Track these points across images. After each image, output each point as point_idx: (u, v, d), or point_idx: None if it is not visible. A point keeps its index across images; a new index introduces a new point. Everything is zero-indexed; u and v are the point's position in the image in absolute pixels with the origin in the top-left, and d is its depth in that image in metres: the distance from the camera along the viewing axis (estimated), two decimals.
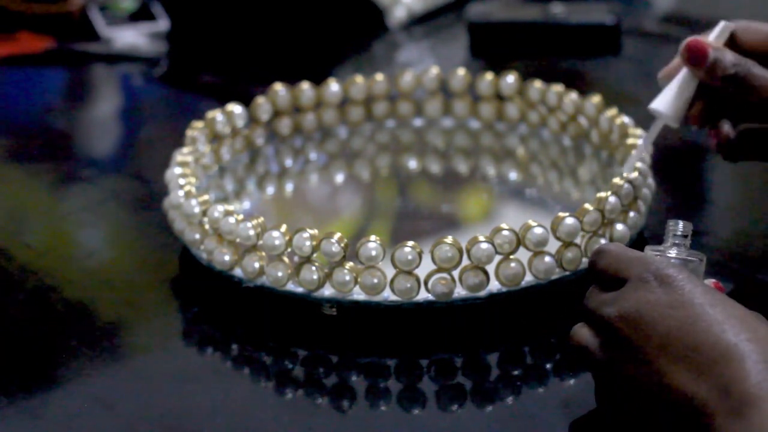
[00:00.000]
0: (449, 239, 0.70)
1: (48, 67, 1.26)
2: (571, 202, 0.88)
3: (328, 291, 0.72)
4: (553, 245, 0.72)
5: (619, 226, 0.75)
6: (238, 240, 0.74)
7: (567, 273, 0.73)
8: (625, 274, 0.59)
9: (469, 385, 0.67)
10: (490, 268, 0.71)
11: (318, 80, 0.96)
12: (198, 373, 0.70)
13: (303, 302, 0.73)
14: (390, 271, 0.71)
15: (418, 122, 0.99)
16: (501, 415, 0.65)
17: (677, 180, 0.92)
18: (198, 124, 0.89)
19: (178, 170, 0.82)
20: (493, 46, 1.23)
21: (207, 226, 0.76)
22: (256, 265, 0.74)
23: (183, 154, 0.85)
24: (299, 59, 1.24)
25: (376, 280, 0.71)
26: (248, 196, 0.92)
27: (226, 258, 0.75)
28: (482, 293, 0.71)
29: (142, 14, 1.30)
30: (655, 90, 0.77)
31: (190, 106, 1.16)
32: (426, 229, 0.87)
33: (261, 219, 0.74)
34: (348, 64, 1.26)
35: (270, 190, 0.93)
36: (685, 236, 0.64)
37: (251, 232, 0.73)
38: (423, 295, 0.71)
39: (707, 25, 0.76)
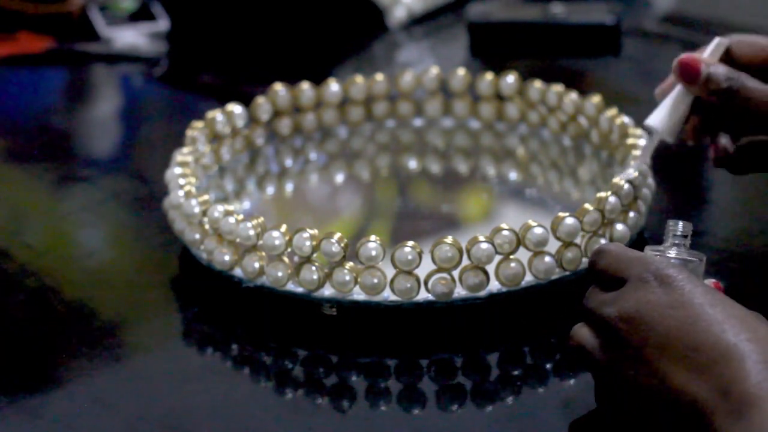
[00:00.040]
0: (449, 239, 0.70)
1: (48, 67, 1.26)
2: (571, 202, 0.88)
3: (328, 291, 0.72)
4: (553, 245, 0.72)
5: (619, 226, 0.75)
6: (238, 240, 0.74)
7: (567, 273, 0.73)
8: (625, 274, 0.59)
9: (469, 385, 0.67)
10: (490, 268, 0.71)
11: (318, 80, 0.96)
12: (198, 373, 0.70)
13: (303, 302, 0.73)
14: (390, 271, 0.71)
15: (418, 122, 0.99)
16: (501, 415, 0.65)
17: (677, 180, 0.92)
18: (198, 124, 0.89)
19: (178, 170, 0.82)
20: (493, 46, 1.23)
21: (207, 226, 0.76)
22: (256, 265, 0.74)
23: (183, 154, 0.85)
24: (299, 59, 1.24)
25: (376, 280, 0.71)
26: (248, 196, 0.92)
27: (226, 258, 0.75)
28: (482, 293, 0.71)
29: (142, 14, 1.30)
30: (654, 92, 0.77)
31: (190, 106, 1.16)
32: (426, 229, 0.87)
33: (261, 219, 0.74)
34: (348, 64, 1.26)
35: (270, 190, 0.93)
36: (685, 236, 0.64)
37: (251, 232, 0.73)
38: (423, 295, 0.71)
39: (707, 26, 0.76)
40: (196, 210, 0.77)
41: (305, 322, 0.73)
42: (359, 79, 0.96)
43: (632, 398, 0.57)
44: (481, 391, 0.67)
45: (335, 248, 0.71)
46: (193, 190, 0.78)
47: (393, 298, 0.72)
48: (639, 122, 0.85)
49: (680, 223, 0.64)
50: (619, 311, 0.57)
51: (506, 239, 0.71)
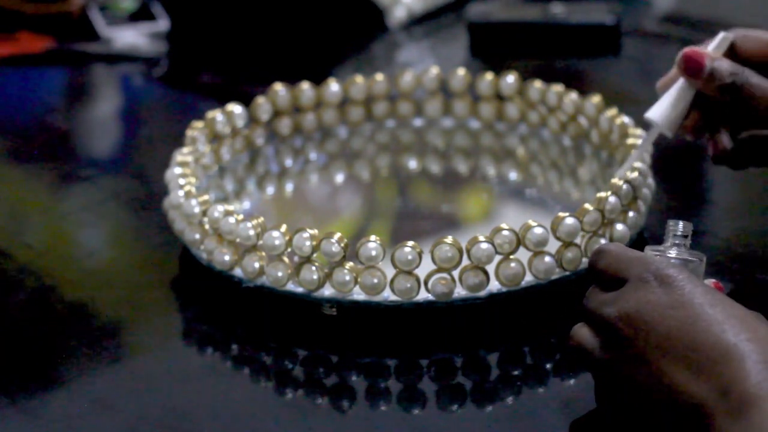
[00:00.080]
0: (449, 239, 0.70)
1: (48, 67, 1.26)
2: (571, 202, 0.88)
3: (328, 291, 0.72)
4: (553, 245, 0.72)
5: (619, 226, 0.75)
6: (238, 240, 0.74)
7: (567, 273, 0.73)
8: (625, 274, 0.59)
9: (469, 385, 0.67)
10: (490, 268, 0.71)
11: (318, 80, 0.96)
12: (198, 373, 0.70)
13: (303, 302, 0.73)
14: (390, 271, 0.71)
15: (418, 122, 0.99)
16: (501, 415, 0.65)
17: (677, 180, 0.92)
18: (198, 124, 0.89)
19: (178, 170, 0.82)
20: (493, 46, 1.23)
21: (207, 226, 0.76)
22: (256, 265, 0.74)
23: (183, 154, 0.85)
24: (299, 59, 1.24)
25: (376, 280, 0.71)
26: (248, 196, 0.92)
27: (226, 258, 0.75)
28: (482, 293, 0.71)
29: (142, 14, 1.30)
30: (655, 90, 0.77)
31: (190, 106, 1.16)
32: (426, 229, 0.87)
33: (261, 219, 0.74)
34: (348, 64, 1.26)
35: (270, 190, 0.93)
36: (685, 236, 0.64)
37: (251, 232, 0.73)
38: (423, 295, 0.71)
39: (707, 25, 0.76)
40: (196, 210, 0.77)
41: (305, 322, 0.73)
42: (359, 79, 0.96)
43: (632, 398, 0.57)
44: (481, 391, 0.67)
45: (335, 248, 0.71)
46: (193, 190, 0.78)
47: (393, 298, 0.72)
48: (639, 122, 0.85)
49: (680, 223, 0.64)
50: (619, 311, 0.57)
51: (506, 239, 0.71)
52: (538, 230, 0.71)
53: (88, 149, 1.11)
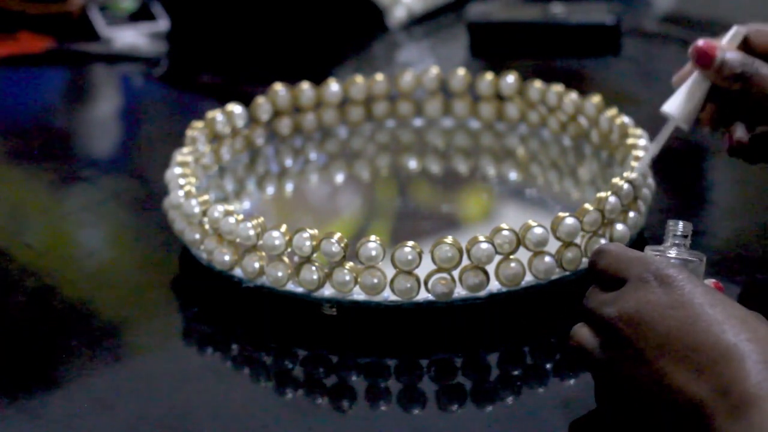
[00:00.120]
0: (449, 239, 0.70)
1: (48, 67, 1.26)
2: (571, 202, 0.88)
3: (328, 291, 0.72)
4: (553, 245, 0.72)
5: (619, 226, 0.75)
6: (238, 240, 0.74)
7: (567, 273, 0.73)
8: (625, 274, 0.59)
9: (469, 385, 0.67)
10: (490, 268, 0.71)
11: (318, 80, 0.96)
12: (198, 373, 0.70)
13: (303, 302, 0.73)
14: (390, 271, 0.71)
15: (418, 122, 0.99)
16: (501, 415, 0.65)
17: (677, 180, 0.92)
18: (198, 124, 0.89)
19: (178, 170, 0.82)
20: (493, 46, 1.23)
21: (207, 226, 0.76)
22: (256, 265, 0.74)
23: (183, 154, 0.85)
24: (299, 59, 1.24)
25: (376, 280, 0.71)
26: (248, 196, 0.92)
27: (226, 258, 0.75)
28: (482, 293, 0.71)
29: (142, 14, 1.30)
30: (655, 90, 0.77)
31: (190, 106, 1.16)
32: (426, 229, 0.87)
33: (261, 219, 0.74)
34: (348, 64, 1.26)
35: (270, 190, 0.93)
36: (685, 236, 0.64)
37: (251, 232, 0.73)
38: (423, 295, 0.71)
39: (707, 25, 0.76)
40: (196, 210, 0.77)
41: (305, 322, 0.73)
42: (359, 79, 0.96)
43: (632, 398, 0.57)
44: (481, 391, 0.67)
45: (335, 248, 0.71)
46: (193, 190, 0.78)
47: (393, 298, 0.72)
48: (639, 122, 0.86)
49: (680, 223, 0.64)
50: (619, 311, 0.57)
51: (506, 239, 0.71)
52: (538, 230, 0.71)
53: (88, 149, 1.11)
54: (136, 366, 0.72)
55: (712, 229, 0.84)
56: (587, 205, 0.73)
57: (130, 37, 1.27)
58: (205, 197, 0.78)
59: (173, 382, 0.69)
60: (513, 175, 0.94)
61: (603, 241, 0.74)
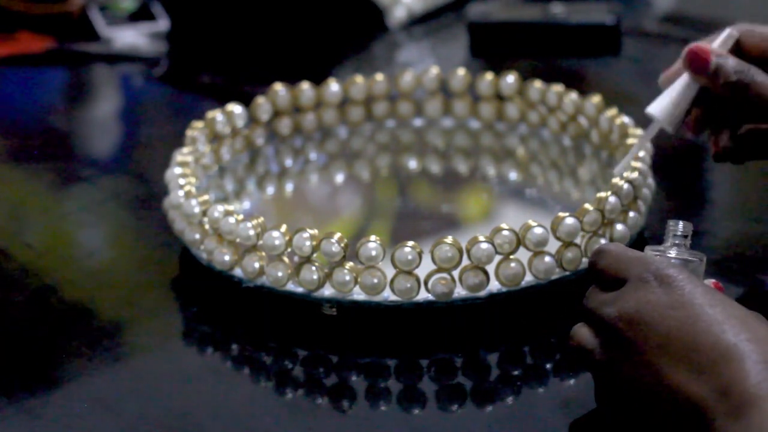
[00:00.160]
0: (449, 239, 0.70)
1: (48, 67, 1.26)
2: (571, 202, 0.88)
3: (328, 291, 0.72)
4: (553, 245, 0.72)
5: (619, 226, 0.75)
6: (238, 240, 0.74)
7: (567, 273, 0.73)
8: (625, 274, 0.59)
9: (469, 385, 0.67)
10: (490, 268, 0.71)
11: (318, 80, 0.96)
12: (198, 373, 0.70)
13: (303, 302, 0.73)
14: (390, 271, 0.71)
15: (418, 122, 0.99)
16: (501, 415, 0.65)
17: (677, 180, 0.92)
18: (198, 124, 0.89)
19: (178, 170, 0.82)
20: (493, 46, 1.23)
21: (207, 226, 0.76)
22: (256, 265, 0.74)
23: (183, 154, 0.85)
24: (299, 59, 1.24)
25: (376, 280, 0.71)
26: (248, 196, 0.92)
27: (226, 258, 0.75)
28: (482, 293, 0.71)
29: (142, 14, 1.30)
30: (655, 90, 0.77)
31: (190, 106, 1.16)
32: (426, 229, 0.87)
33: (261, 219, 0.74)
34: (348, 64, 1.26)
35: (270, 190, 0.93)
36: (685, 236, 0.64)
37: (251, 232, 0.73)
38: (423, 295, 0.71)
39: (707, 25, 0.75)
40: (196, 210, 0.77)
41: (305, 322, 0.73)
42: (359, 79, 0.96)
43: (632, 398, 0.57)
44: (481, 391, 0.67)
45: (335, 248, 0.71)
46: (193, 190, 0.78)
47: (393, 298, 0.72)
48: (639, 122, 0.85)
49: (680, 223, 0.64)
50: (619, 311, 0.57)
51: (506, 239, 0.71)
52: (538, 230, 0.71)
53: (88, 149, 1.11)
54: (136, 366, 0.72)
55: (712, 229, 0.84)
56: (587, 205, 0.73)
57: (130, 37, 1.27)
58: (205, 197, 0.78)
59: (173, 382, 0.69)
60: (513, 175, 0.94)
61: (603, 241, 0.74)
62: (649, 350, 0.55)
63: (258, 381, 0.70)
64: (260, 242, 0.73)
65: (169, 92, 1.23)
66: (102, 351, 0.72)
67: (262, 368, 0.71)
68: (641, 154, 0.79)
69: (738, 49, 0.74)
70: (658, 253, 0.63)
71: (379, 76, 0.97)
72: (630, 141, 0.82)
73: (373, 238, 0.71)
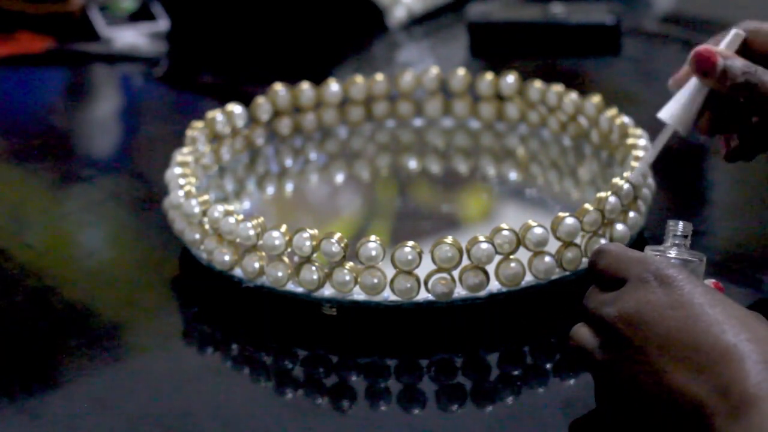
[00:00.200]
0: (449, 239, 0.70)
1: (48, 67, 1.26)
2: (571, 202, 0.88)
3: (328, 291, 0.72)
4: (553, 245, 0.72)
5: (619, 226, 0.75)
6: (238, 240, 0.74)
7: (567, 273, 0.73)
8: (625, 275, 0.59)
9: (469, 385, 0.67)
10: (490, 268, 0.71)
11: (318, 80, 0.96)
12: (198, 373, 0.70)
13: (303, 302, 0.73)
14: (390, 271, 0.71)
15: (418, 122, 0.99)
16: (501, 415, 0.65)
17: (677, 180, 0.92)
18: (198, 124, 0.89)
19: (178, 170, 0.82)
20: (493, 46, 1.23)
21: (207, 226, 0.76)
22: (256, 265, 0.74)
23: (183, 154, 0.85)
24: (299, 59, 1.24)
25: (376, 280, 0.71)
26: (248, 196, 0.92)
27: (226, 258, 0.75)
28: (482, 293, 0.71)
29: (142, 14, 1.30)
30: (655, 90, 0.77)
31: (190, 106, 1.16)
32: (426, 229, 0.87)
33: (261, 219, 0.74)
34: (348, 64, 1.26)
35: (270, 190, 0.93)
36: (685, 236, 0.64)
37: (251, 232, 0.73)
38: (423, 295, 0.71)
39: (707, 25, 0.75)
40: (196, 210, 0.77)
41: (305, 322, 0.73)
42: (359, 79, 0.96)
43: (632, 398, 0.57)
44: (481, 391, 0.67)
45: (335, 248, 0.71)
46: (193, 190, 0.78)
47: (393, 298, 0.72)
48: (639, 122, 0.86)
49: (680, 223, 0.64)
50: (619, 311, 0.57)
51: (506, 239, 0.71)
52: (538, 230, 0.71)
53: (88, 149, 1.11)
54: (136, 366, 0.72)
55: (712, 229, 0.84)
56: (587, 205, 0.73)
57: (130, 37, 1.27)
58: (205, 197, 0.78)
59: (173, 382, 0.69)
60: (513, 175, 0.94)
61: (603, 241, 0.74)
62: (649, 350, 0.55)
63: (258, 381, 0.70)
64: (260, 242, 0.73)
65: (169, 92, 1.23)
66: (102, 351, 0.72)
67: (262, 368, 0.71)
68: (642, 154, 0.79)
69: (746, 48, 0.73)
70: (658, 253, 0.63)
71: (379, 76, 0.97)
72: (630, 141, 0.82)
73: (373, 238, 0.71)
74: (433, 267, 0.71)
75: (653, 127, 0.77)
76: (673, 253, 0.63)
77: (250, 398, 0.68)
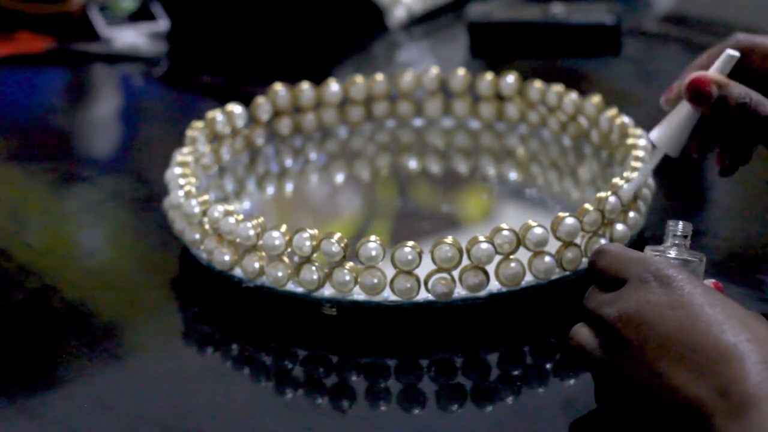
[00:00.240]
0: (449, 239, 0.70)
1: (48, 67, 1.26)
2: (571, 202, 0.88)
3: (328, 291, 0.72)
4: (553, 245, 0.72)
5: (619, 226, 0.75)
6: (238, 240, 0.74)
7: (567, 273, 0.73)
8: (624, 275, 0.59)
9: (469, 385, 0.67)
10: (490, 268, 0.71)
11: (318, 80, 0.96)
12: (198, 373, 0.70)
13: (303, 302, 0.73)
14: (390, 271, 0.71)
15: (418, 122, 0.99)
16: (501, 415, 0.65)
17: (677, 180, 0.92)
18: (198, 124, 0.89)
19: (178, 170, 0.82)
20: (493, 46, 1.23)
21: (207, 226, 0.76)
22: (256, 265, 0.74)
23: (183, 154, 0.85)
24: (299, 59, 1.24)
25: (376, 280, 0.71)
26: (248, 196, 0.92)
27: (226, 258, 0.75)
28: (482, 293, 0.71)
29: (142, 14, 1.30)
30: (655, 90, 0.77)
31: (190, 106, 1.16)
32: (426, 229, 0.87)
33: (261, 219, 0.74)
34: (348, 64, 1.26)
35: (270, 190, 0.93)
36: (685, 236, 0.64)
37: (251, 232, 0.73)
38: (423, 295, 0.71)
39: (707, 25, 0.75)
40: (196, 210, 0.77)
41: (305, 322, 0.73)
42: (359, 79, 0.96)
43: (632, 398, 0.57)
44: (481, 391, 0.67)
45: (335, 248, 0.71)
46: (193, 190, 0.78)
47: (393, 298, 0.72)
48: (639, 122, 0.86)
49: (680, 223, 0.64)
50: (619, 311, 0.57)
51: (506, 239, 0.71)
52: (538, 230, 0.71)
53: (88, 149, 1.11)
54: (136, 366, 0.72)
55: (712, 229, 0.84)
56: (587, 205, 0.73)
57: (130, 37, 1.27)
58: (205, 197, 0.78)
59: (173, 382, 0.69)
60: (513, 175, 0.94)
61: (603, 241, 0.74)
62: (649, 350, 0.55)
63: (258, 381, 0.70)
64: (260, 242, 0.73)
65: (169, 92, 1.23)
66: (102, 351, 0.72)
67: (262, 368, 0.71)
68: (642, 154, 0.79)
69: (742, 65, 0.72)
70: (658, 253, 0.63)
71: (379, 76, 0.97)
72: (630, 141, 0.82)
73: (373, 238, 0.71)
74: (433, 267, 0.71)
75: (653, 127, 0.77)
76: (673, 253, 0.63)
77: (250, 398, 0.68)
